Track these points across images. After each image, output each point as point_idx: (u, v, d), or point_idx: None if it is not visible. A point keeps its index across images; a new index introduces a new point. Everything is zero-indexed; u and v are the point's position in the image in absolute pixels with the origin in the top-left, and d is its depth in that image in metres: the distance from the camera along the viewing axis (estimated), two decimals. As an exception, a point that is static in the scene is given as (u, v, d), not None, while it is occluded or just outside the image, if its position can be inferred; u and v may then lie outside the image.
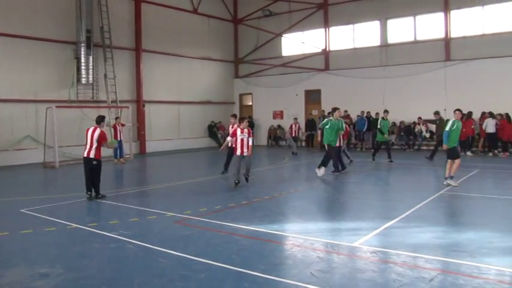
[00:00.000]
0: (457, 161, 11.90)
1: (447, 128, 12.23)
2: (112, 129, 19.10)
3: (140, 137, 24.18)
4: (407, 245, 6.65)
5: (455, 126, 12.26)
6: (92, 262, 6.17)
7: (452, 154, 12.04)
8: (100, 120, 10.95)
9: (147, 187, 13.45)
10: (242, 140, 12.21)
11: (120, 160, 19.30)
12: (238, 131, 12.29)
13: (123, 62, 23.38)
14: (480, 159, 18.42)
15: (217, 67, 29.25)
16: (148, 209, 9.51)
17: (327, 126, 14.34)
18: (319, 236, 7.20)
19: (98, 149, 10.60)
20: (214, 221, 8.25)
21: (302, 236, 7.20)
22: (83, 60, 20.96)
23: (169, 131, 26.05)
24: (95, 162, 10.57)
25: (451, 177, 11.88)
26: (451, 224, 8.13)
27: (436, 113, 18.54)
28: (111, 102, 22.08)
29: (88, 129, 10.88)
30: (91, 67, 21.25)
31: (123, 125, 19.75)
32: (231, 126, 12.52)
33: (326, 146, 14.40)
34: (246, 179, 12.35)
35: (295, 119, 23.82)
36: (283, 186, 12.35)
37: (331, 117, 14.90)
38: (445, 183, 11.81)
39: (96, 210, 9.86)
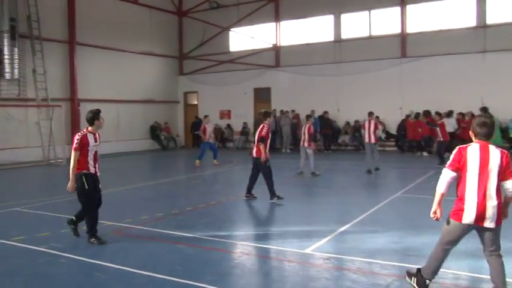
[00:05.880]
0: None
1: None
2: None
3: (74, 139, 23.49)
4: (361, 251, 6.78)
5: None
6: (16, 281, 5.90)
7: None
8: (94, 117, 8.01)
9: (81, 194, 13.06)
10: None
11: (214, 162, 18.78)
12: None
13: (55, 56, 22.65)
14: (437, 160, 19.02)
15: (160, 63, 28.92)
16: (82, 218, 9.22)
17: None
18: (269, 243, 7.24)
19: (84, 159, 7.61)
20: (156, 230, 8.13)
21: (251, 244, 7.22)
22: (6, 52, 20.04)
23: (108, 132, 25.31)
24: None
25: None
26: (407, 228, 8.36)
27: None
28: (41, 100, 21.35)
29: (85, 137, 7.66)
30: (16, 61, 20.43)
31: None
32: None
33: None
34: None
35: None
36: (231, 190, 12.34)
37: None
38: None
39: (23, 222, 9.46)
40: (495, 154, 4.78)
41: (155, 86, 28.45)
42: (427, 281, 5.17)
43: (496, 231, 4.79)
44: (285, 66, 26.47)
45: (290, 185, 13.46)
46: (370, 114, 16.14)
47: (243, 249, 7.05)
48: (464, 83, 21.29)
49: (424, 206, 10.32)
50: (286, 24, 26.80)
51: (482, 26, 21.65)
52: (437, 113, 18.54)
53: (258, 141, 10.72)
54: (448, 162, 4.95)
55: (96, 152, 7.73)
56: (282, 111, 25.06)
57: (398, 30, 23.60)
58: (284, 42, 26.87)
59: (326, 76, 24.68)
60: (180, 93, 30.37)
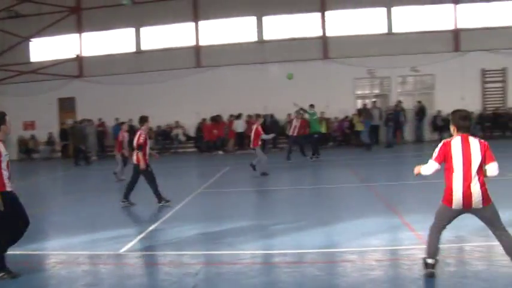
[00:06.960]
0: None
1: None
2: None
3: None
4: (172, 245, 6.82)
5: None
6: None
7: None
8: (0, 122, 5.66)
9: None
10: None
11: None
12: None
13: None
14: (232, 157, 19.97)
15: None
16: None
17: (315, 117, 16.93)
18: (82, 249, 6.78)
19: None
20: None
21: (64, 252, 6.68)
22: None
23: None
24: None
25: None
26: (209, 219, 8.62)
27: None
28: None
29: None
30: None
31: None
32: None
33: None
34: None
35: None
36: (40, 202, 11.30)
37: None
38: None
39: None
40: (475, 144, 4.75)
41: None
42: (430, 260, 4.92)
43: (489, 210, 4.77)
44: (89, 76, 25.13)
45: (98, 190, 12.85)
46: (257, 116, 14.88)
47: (56, 258, 6.48)
48: (249, 89, 22.80)
49: (222, 199, 10.79)
50: (89, 36, 25.51)
51: (261, 41, 23.41)
52: (298, 112, 17.49)
53: (137, 149, 9.76)
54: (434, 156, 4.87)
55: (8, 163, 5.72)
56: (87, 120, 23.69)
57: (193, 43, 24.21)
58: (87, 53, 25.53)
59: (129, 85, 24.08)
60: (-23, 105, 26.70)
